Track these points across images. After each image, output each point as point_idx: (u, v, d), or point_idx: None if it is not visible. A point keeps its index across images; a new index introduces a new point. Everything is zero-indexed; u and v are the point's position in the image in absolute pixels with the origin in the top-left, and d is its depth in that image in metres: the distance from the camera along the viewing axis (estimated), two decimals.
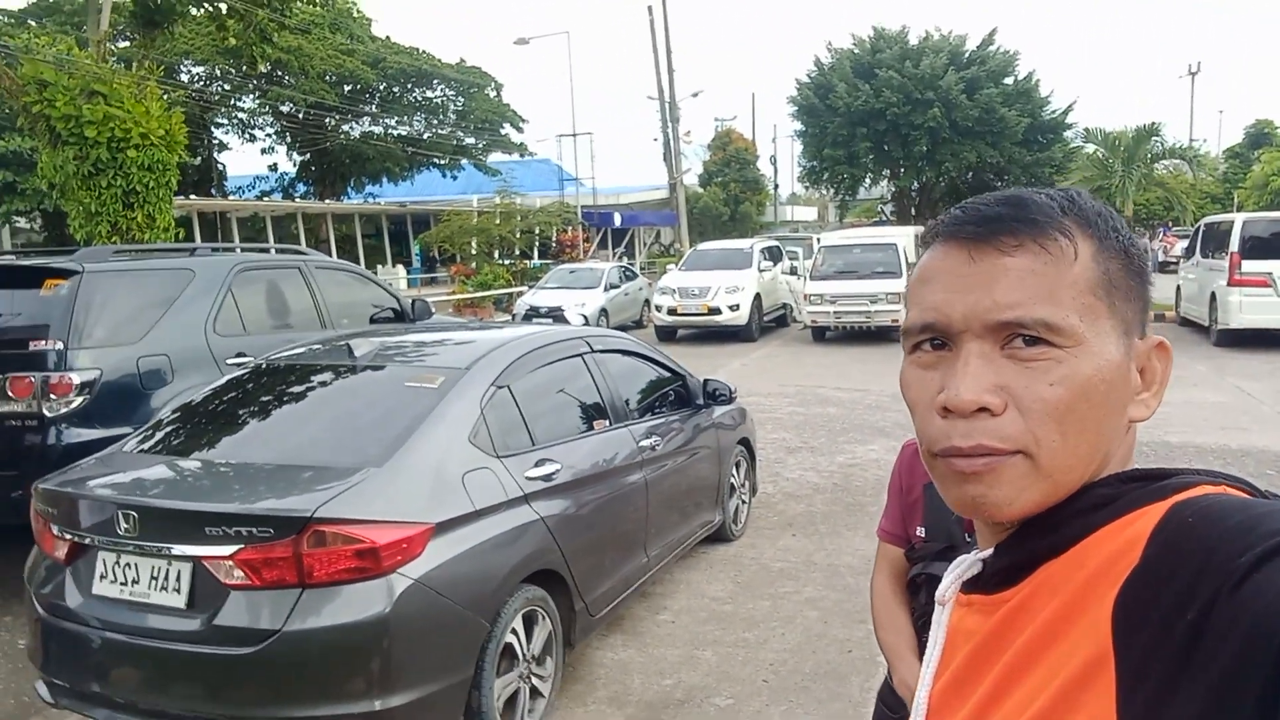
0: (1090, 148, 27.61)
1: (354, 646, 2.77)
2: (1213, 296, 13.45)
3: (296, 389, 3.83)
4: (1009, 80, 36.16)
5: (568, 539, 3.61)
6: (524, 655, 3.38)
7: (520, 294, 20.05)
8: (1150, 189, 25.89)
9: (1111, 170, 24.23)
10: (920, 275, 0.77)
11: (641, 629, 4.48)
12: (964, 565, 0.79)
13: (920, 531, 1.69)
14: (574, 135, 34.95)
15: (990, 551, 0.75)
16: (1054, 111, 36.94)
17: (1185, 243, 17.06)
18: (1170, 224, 33.42)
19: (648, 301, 18.86)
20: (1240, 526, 0.57)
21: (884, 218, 42.72)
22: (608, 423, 4.26)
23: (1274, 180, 20.10)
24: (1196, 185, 27.09)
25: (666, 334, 16.58)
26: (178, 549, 2.88)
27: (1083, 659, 0.60)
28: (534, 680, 3.46)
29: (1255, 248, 12.78)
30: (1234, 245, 12.90)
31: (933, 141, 35.32)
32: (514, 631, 3.30)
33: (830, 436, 8.56)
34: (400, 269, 30.34)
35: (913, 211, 39.79)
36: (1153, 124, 24.44)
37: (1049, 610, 0.65)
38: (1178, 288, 15.98)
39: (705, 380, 5.34)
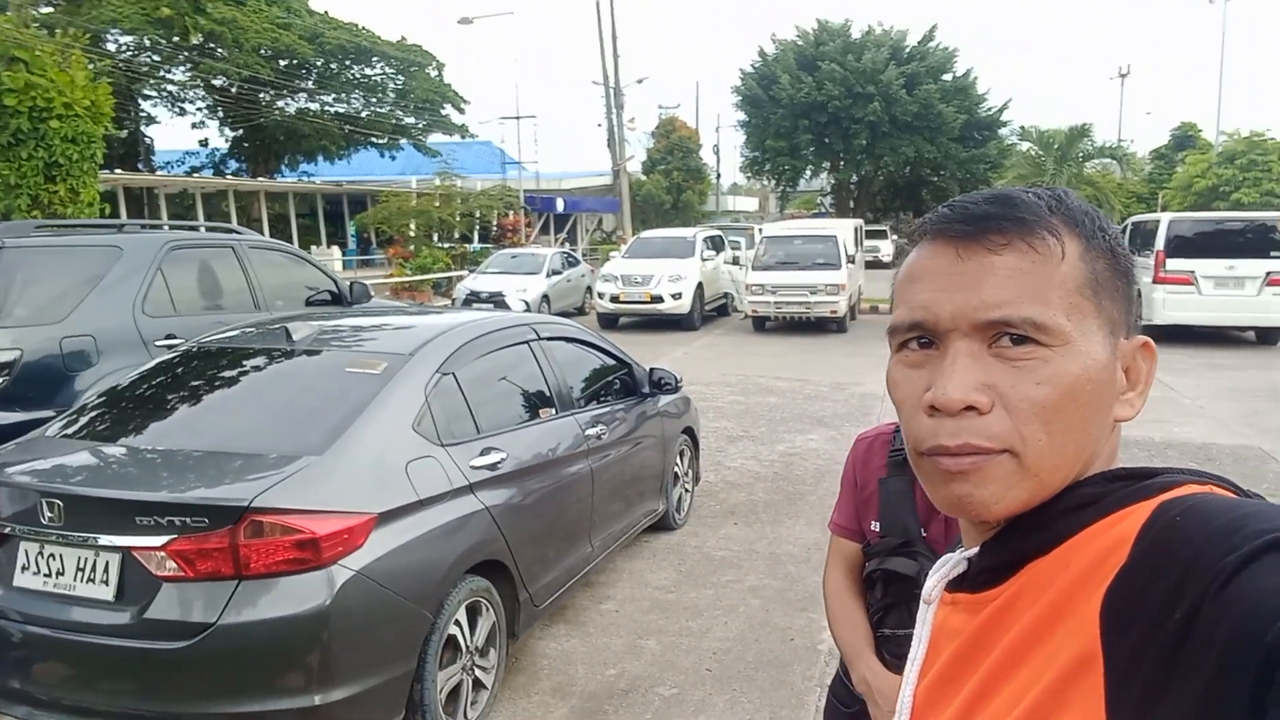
0: (1025, 145, 28.28)
1: (293, 640, 2.69)
2: (1138, 293, 13.88)
3: (231, 373, 3.70)
4: (947, 77, 36.87)
5: (513, 529, 3.56)
6: (467, 647, 3.33)
7: (460, 278, 19.77)
8: (1081, 187, 26.62)
9: (1044, 168, 24.86)
10: (907, 273, 0.76)
11: (585, 619, 4.45)
12: (949, 564, 0.78)
13: (875, 526, 1.68)
14: (517, 118, 34.63)
15: (976, 550, 0.75)
16: (990, 109, 37.77)
17: None
18: None
19: (590, 288, 18.78)
20: (1227, 526, 0.57)
21: (824, 209, 43.24)
22: (554, 411, 4.21)
23: (1198, 181, 20.85)
24: (1124, 184, 27.97)
25: (609, 321, 16.53)
26: (105, 539, 2.75)
27: (1070, 657, 0.60)
28: (477, 672, 3.41)
29: (1180, 247, 13.24)
30: (1159, 244, 13.33)
31: (872, 135, 35.82)
32: (457, 623, 3.25)
33: (771, 425, 8.63)
34: (335, 250, 29.70)
35: (851, 204, 40.36)
36: (1084, 124, 25.16)
37: (1036, 609, 0.65)
38: None
39: (651, 369, 5.32)
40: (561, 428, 4.20)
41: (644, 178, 40.97)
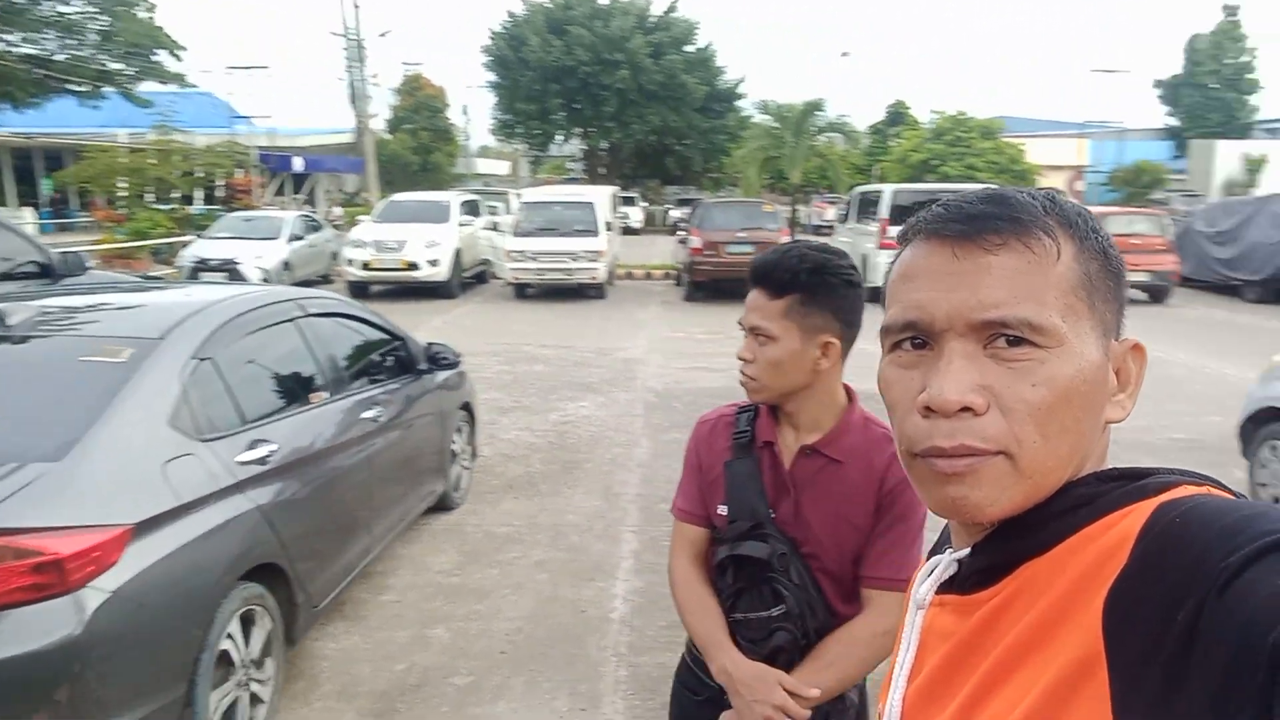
0: (763, 118, 29.92)
1: (36, 679, 2.28)
2: (864, 258, 15.15)
3: None
4: (690, 48, 38.14)
5: (287, 527, 3.26)
6: (242, 660, 3.02)
7: (185, 244, 17.91)
8: (811, 159, 28.61)
9: (783, 140, 26.43)
10: (902, 272, 0.74)
11: (365, 612, 4.20)
12: (940, 566, 0.77)
13: (722, 510, 1.65)
14: (247, 68, 31.89)
15: (967, 552, 0.74)
16: (728, 82, 39.53)
17: (834, 208, 18.95)
18: (825, 191, 37.27)
19: (336, 254, 17.69)
20: (1229, 528, 0.57)
21: (574, 175, 43.58)
22: (326, 394, 3.89)
23: (911, 155, 23.11)
24: (847, 156, 30.41)
25: (359, 290, 15.62)
26: None
27: (1073, 659, 0.60)
28: (254, 686, 3.11)
29: (902, 215, 14.55)
30: (883, 212, 14.59)
31: (621, 102, 36.47)
32: (229, 636, 2.93)
33: (541, 395, 8.58)
34: (27, 212, 26.02)
35: (601, 171, 40.94)
36: (817, 99, 27.00)
37: (1034, 610, 0.65)
38: None
39: (429, 344, 5.07)
40: (335, 412, 3.90)
41: (389, 137, 39.24)
